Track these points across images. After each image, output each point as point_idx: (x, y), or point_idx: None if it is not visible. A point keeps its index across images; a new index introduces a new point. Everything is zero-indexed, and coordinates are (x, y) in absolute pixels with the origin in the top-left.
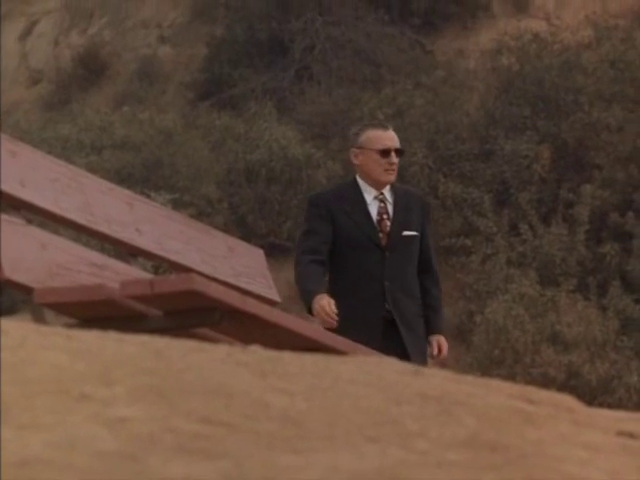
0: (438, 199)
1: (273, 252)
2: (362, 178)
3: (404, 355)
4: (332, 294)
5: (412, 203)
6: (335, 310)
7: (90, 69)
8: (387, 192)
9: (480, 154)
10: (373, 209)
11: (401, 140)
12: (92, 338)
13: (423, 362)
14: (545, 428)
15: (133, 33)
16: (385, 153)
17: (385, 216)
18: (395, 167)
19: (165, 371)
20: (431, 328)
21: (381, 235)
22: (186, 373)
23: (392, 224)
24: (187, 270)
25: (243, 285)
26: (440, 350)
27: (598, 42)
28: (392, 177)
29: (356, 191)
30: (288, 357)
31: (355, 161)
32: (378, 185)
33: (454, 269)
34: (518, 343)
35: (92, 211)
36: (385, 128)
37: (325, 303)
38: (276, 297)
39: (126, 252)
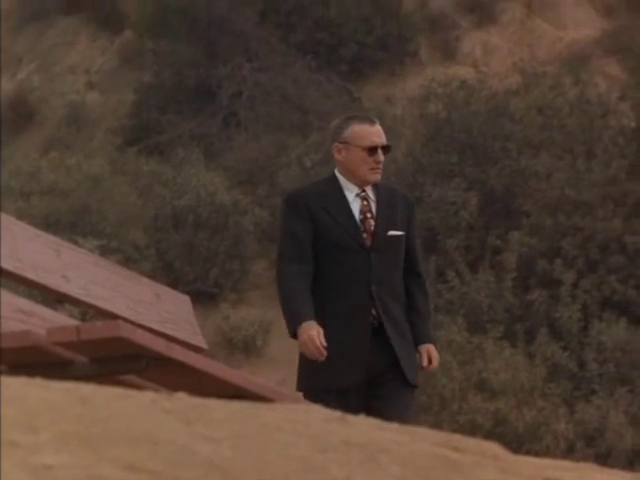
0: None
1: (200, 298)
2: (343, 174)
3: (395, 364)
4: (315, 298)
5: (396, 201)
6: (324, 343)
7: (19, 114)
8: (369, 189)
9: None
10: (355, 207)
11: None
12: (19, 384)
13: (414, 372)
14: (471, 476)
15: (61, 79)
16: (372, 150)
17: (369, 215)
18: (381, 165)
19: (91, 418)
20: (419, 336)
21: (365, 235)
22: (112, 420)
23: (376, 223)
24: (114, 317)
25: (169, 332)
26: (430, 361)
27: (526, 89)
28: (378, 176)
29: (336, 188)
30: (214, 404)
31: (338, 156)
32: (362, 183)
33: None
34: (445, 390)
35: (20, 257)
36: (372, 122)
37: (314, 334)
38: (202, 344)
39: (53, 298)
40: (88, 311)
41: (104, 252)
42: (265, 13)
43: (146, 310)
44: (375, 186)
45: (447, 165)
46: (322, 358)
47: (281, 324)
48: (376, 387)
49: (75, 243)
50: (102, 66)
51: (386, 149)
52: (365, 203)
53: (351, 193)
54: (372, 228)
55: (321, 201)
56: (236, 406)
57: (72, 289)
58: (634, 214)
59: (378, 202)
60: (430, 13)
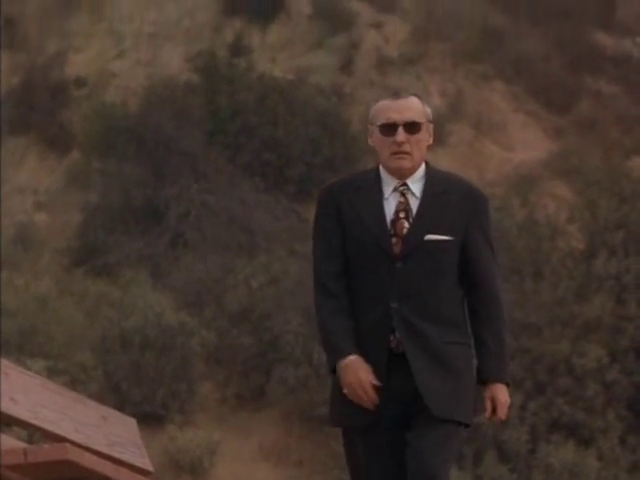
0: (311, 367)
1: (147, 419)
2: (381, 164)
3: (417, 403)
4: None
5: (451, 197)
6: (376, 382)
7: None
8: (416, 181)
9: None
10: (390, 205)
11: (274, 308)
12: None
13: (452, 406)
14: None
15: (9, 199)
16: (389, 129)
17: (402, 214)
18: (406, 148)
19: None
20: (482, 373)
21: (394, 240)
22: None
23: (412, 225)
24: (61, 439)
25: (116, 454)
26: (494, 409)
27: None
28: (403, 162)
29: (373, 180)
30: None
31: (369, 141)
32: (393, 173)
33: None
34: None
35: None
36: (395, 96)
37: (364, 378)
38: (149, 466)
39: (1, 421)
40: (36, 434)
41: (52, 373)
42: (213, 133)
43: (93, 433)
44: (426, 177)
45: None
46: (371, 407)
47: (228, 445)
48: (409, 418)
49: (23, 364)
50: (50, 186)
51: (412, 127)
52: (402, 200)
53: (388, 187)
54: (404, 231)
55: (352, 197)
56: None
57: (20, 412)
58: (582, 336)
59: (423, 198)
60: None
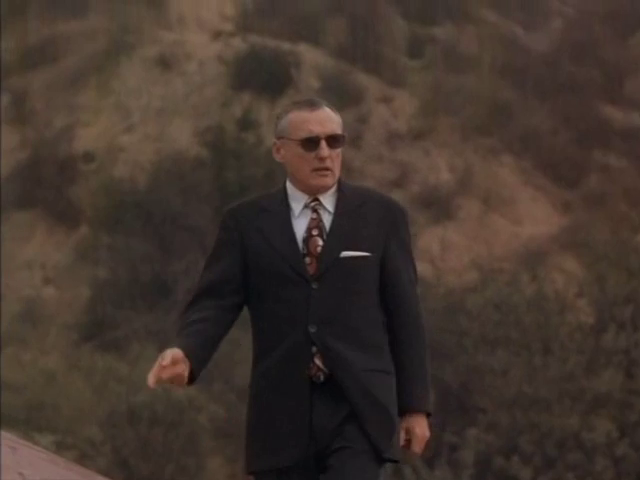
0: None
1: None
2: (290, 180)
3: (338, 439)
4: (255, 351)
5: (368, 209)
6: (165, 361)
7: None
8: (328, 196)
9: None
10: (301, 223)
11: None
12: None
13: (382, 438)
14: None
15: (17, 274)
16: (310, 144)
17: (315, 232)
18: (329, 164)
19: None
20: (400, 401)
21: (308, 260)
22: None
23: (326, 242)
24: None
25: None
26: (408, 441)
27: (483, 285)
28: (326, 180)
29: (280, 199)
30: None
31: (277, 157)
32: (309, 190)
33: None
34: None
35: None
36: (312, 106)
37: (164, 355)
38: None
39: None
40: None
41: (60, 448)
42: (221, 209)
43: None
44: (339, 191)
45: None
46: (160, 377)
47: None
48: (325, 458)
49: (31, 439)
50: (58, 261)
51: (334, 140)
52: (315, 216)
53: (298, 204)
54: (319, 249)
55: (256, 219)
56: None
57: None
58: (591, 410)
59: (337, 213)
60: None
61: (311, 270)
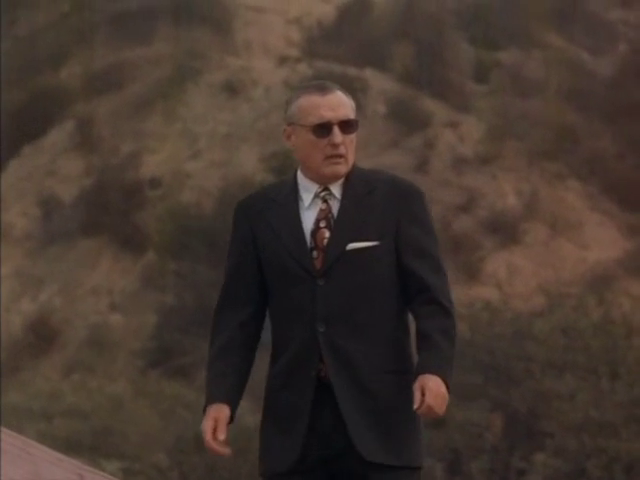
0: None
1: None
2: (301, 169)
3: (344, 440)
4: (272, 351)
5: (378, 193)
6: (221, 436)
7: (40, 336)
8: (338, 184)
9: (431, 423)
10: (310, 215)
11: None
12: None
13: (390, 446)
14: None
15: (84, 300)
16: (323, 129)
17: (323, 223)
18: (342, 150)
19: None
20: (418, 366)
21: (315, 254)
22: None
23: (332, 233)
24: None
25: None
26: (423, 399)
27: (550, 310)
28: (339, 167)
29: (291, 190)
30: None
31: (288, 144)
32: (320, 179)
33: None
34: None
35: None
36: (323, 91)
37: (207, 427)
38: None
39: None
40: None
41: (127, 475)
42: None
43: None
44: (347, 179)
45: (471, 386)
46: (223, 454)
47: None
48: (333, 462)
49: (97, 465)
50: (124, 287)
51: (347, 125)
52: (324, 207)
53: (308, 194)
54: (325, 242)
55: (267, 211)
56: None
57: None
58: None
59: (344, 201)
60: (454, 234)
61: (317, 265)
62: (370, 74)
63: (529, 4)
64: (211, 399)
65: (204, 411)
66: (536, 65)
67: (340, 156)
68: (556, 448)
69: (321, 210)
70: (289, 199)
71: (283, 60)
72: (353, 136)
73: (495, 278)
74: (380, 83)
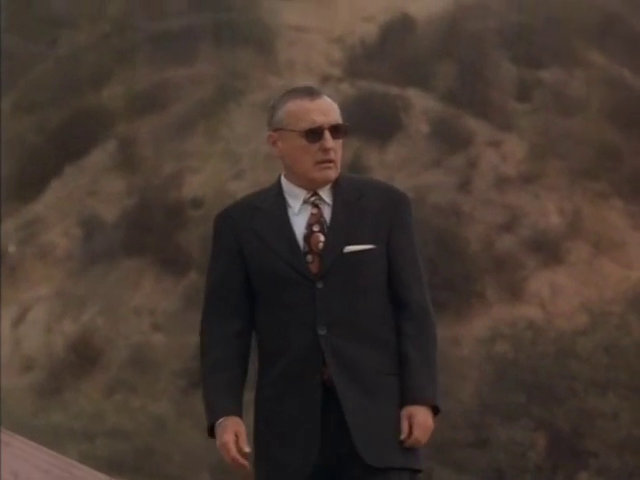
0: None
1: None
2: (286, 176)
3: (347, 445)
4: (259, 361)
5: (368, 199)
6: (246, 449)
7: (82, 356)
8: (327, 189)
9: (475, 442)
10: (299, 220)
11: None
12: None
13: (396, 457)
14: None
15: (126, 320)
16: (314, 135)
17: (317, 227)
18: (333, 155)
19: None
20: (403, 394)
21: (310, 258)
22: None
23: (327, 237)
24: None
25: None
26: (410, 431)
27: (593, 328)
28: (330, 173)
29: (277, 196)
30: None
31: (274, 150)
32: (309, 184)
33: None
34: None
35: None
36: (312, 95)
37: (229, 440)
38: None
39: None
40: None
41: None
42: None
43: None
44: (336, 184)
45: (514, 406)
46: (246, 468)
47: None
48: (333, 472)
49: None
50: (167, 307)
51: (337, 130)
52: (315, 211)
53: (297, 200)
54: (320, 245)
55: (250, 219)
56: None
57: None
58: None
59: (337, 206)
60: (496, 253)
61: (314, 269)
62: (413, 93)
63: (571, 22)
64: (222, 412)
65: (211, 426)
66: (578, 83)
67: (330, 161)
68: (599, 467)
69: (312, 215)
70: (275, 206)
71: (326, 79)
72: (342, 141)
73: (538, 297)
74: (423, 102)
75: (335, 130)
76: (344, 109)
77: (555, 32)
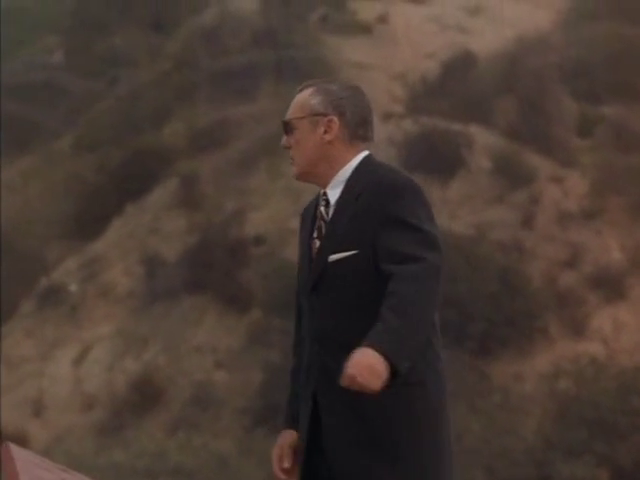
0: None
1: None
2: None
3: (326, 470)
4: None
5: (365, 196)
6: (286, 464)
7: (144, 395)
8: (335, 187)
9: (537, 479)
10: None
11: (458, 466)
12: None
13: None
14: None
15: (188, 358)
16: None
17: (316, 233)
18: (291, 152)
19: None
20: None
21: (312, 266)
22: None
23: (321, 244)
24: None
25: None
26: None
27: None
28: (292, 169)
29: (316, 197)
30: None
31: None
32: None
33: None
34: None
35: None
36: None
37: (275, 454)
38: None
39: None
40: None
41: None
42: None
43: None
44: (348, 180)
45: (576, 442)
46: None
47: None
48: None
49: None
50: (229, 345)
51: (286, 128)
52: (319, 214)
53: (320, 200)
54: (315, 252)
55: (303, 221)
56: None
57: None
58: None
59: (336, 208)
60: (558, 289)
61: (312, 279)
62: (475, 129)
63: (631, 57)
64: (283, 424)
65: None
66: (639, 119)
67: (291, 158)
68: None
69: (317, 218)
70: (311, 207)
71: (387, 116)
72: (297, 135)
73: (600, 333)
74: (485, 138)
75: (285, 127)
76: (406, 146)
77: (616, 67)
